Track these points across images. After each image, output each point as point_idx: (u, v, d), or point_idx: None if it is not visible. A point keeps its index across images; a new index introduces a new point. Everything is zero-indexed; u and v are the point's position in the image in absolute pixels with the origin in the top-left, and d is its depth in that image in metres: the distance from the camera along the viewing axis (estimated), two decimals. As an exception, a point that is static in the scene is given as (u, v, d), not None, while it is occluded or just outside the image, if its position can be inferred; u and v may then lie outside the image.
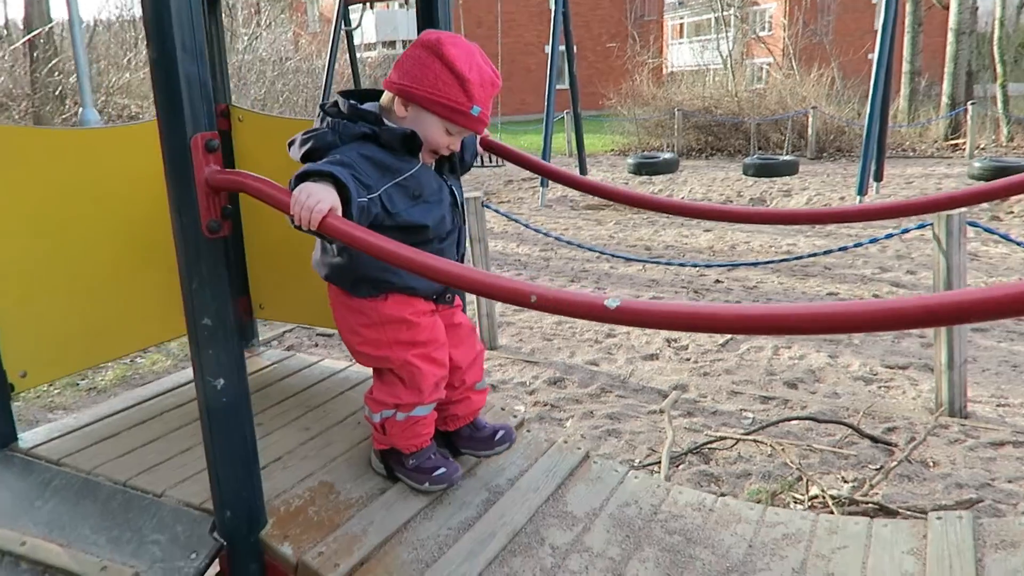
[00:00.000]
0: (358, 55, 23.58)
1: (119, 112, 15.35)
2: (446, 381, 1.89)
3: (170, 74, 1.35)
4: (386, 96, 1.74)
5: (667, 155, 13.04)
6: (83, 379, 4.57)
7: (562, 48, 11.20)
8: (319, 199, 1.37)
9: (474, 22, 28.02)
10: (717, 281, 6.38)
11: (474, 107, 1.68)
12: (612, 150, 17.25)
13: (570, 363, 4.62)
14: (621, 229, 9.00)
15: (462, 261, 1.94)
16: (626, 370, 4.49)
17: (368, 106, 1.74)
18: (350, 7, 12.75)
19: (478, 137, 2.15)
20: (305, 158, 1.66)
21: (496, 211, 4.91)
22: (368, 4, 18.25)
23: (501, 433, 1.97)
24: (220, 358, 1.49)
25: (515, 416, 2.22)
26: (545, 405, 4.05)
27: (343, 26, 12.69)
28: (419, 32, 1.78)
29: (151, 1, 1.33)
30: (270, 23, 21.73)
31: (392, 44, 27.94)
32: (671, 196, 11.01)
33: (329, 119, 1.69)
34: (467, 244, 2.35)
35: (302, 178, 1.45)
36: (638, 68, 18.13)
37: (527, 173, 13.76)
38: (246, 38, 18.24)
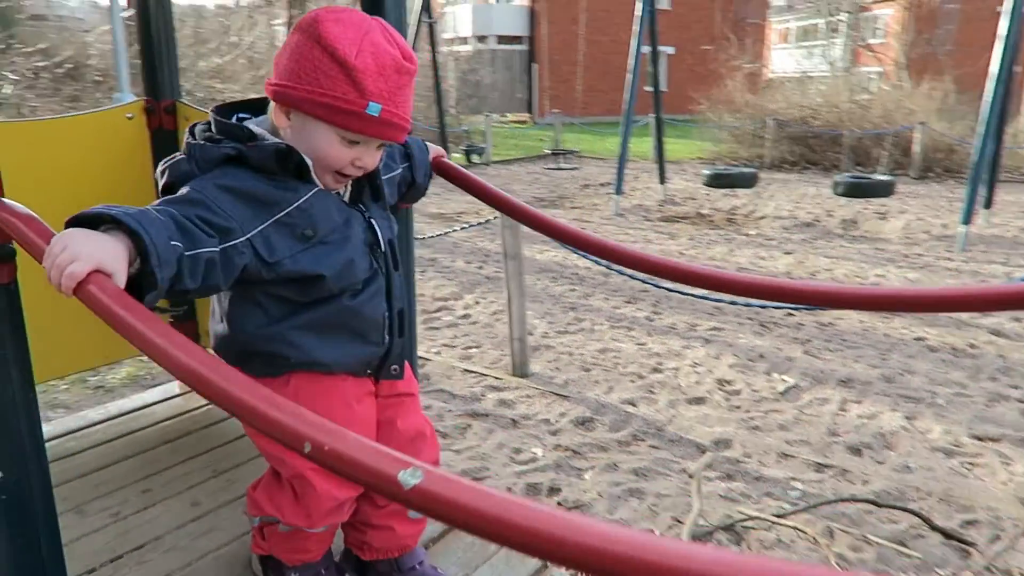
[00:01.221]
0: (451, 48, 23.53)
1: (210, 95, 15.67)
2: (351, 501, 1.47)
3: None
4: (271, 104, 1.34)
5: (744, 168, 12.21)
6: (94, 375, 4.40)
7: (649, 49, 10.62)
8: (75, 256, 0.96)
9: (568, 19, 27.51)
10: (789, 314, 5.74)
11: (370, 104, 1.23)
12: (699, 158, 16.47)
13: (604, 400, 4.15)
14: (694, 245, 8.39)
15: (400, 322, 1.50)
16: (666, 415, 3.98)
17: (255, 122, 1.34)
18: None
19: (429, 151, 1.73)
20: (165, 194, 1.26)
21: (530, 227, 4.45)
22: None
23: None
24: (-2, 446, 1.12)
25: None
26: (566, 450, 3.59)
27: (425, 18, 12.52)
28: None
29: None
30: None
31: (484, 39, 27.76)
32: (752, 212, 10.28)
33: (190, 141, 1.29)
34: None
35: (76, 223, 1.03)
36: (733, 73, 17.23)
37: (606, 177, 13.25)
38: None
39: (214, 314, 1.41)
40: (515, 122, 26.54)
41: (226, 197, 1.22)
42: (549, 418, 3.94)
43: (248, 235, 1.23)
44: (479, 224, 7.14)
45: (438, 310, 5.80)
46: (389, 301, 1.47)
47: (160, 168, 1.29)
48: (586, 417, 3.94)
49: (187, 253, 1.11)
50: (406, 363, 1.56)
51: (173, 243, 1.08)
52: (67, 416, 2.21)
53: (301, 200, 1.30)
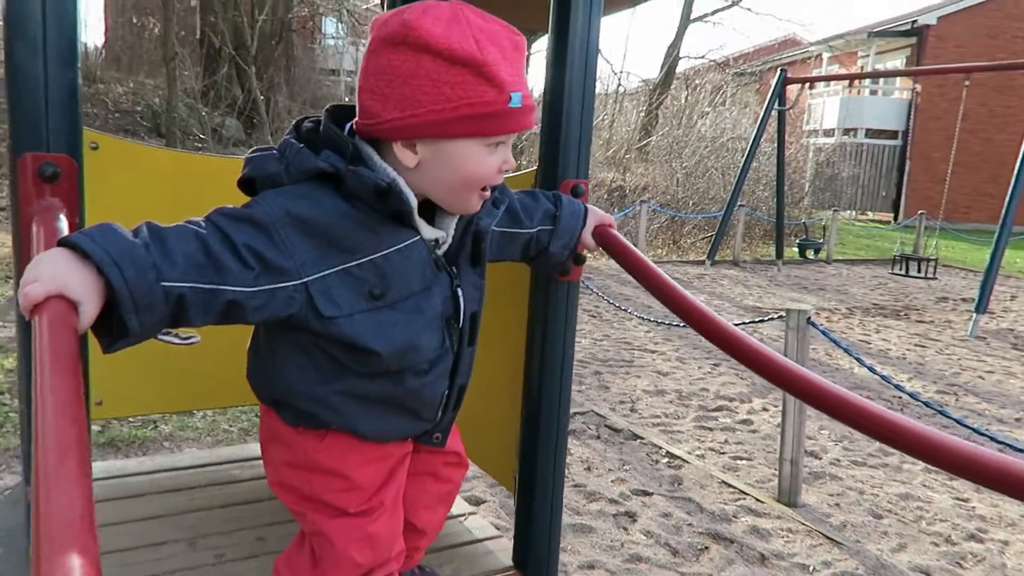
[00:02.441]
0: (812, 140, 22.38)
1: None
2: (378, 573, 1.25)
3: (9, 66, 1.01)
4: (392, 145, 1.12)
5: None
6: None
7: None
8: (38, 276, 0.85)
9: (956, 114, 24.52)
10: None
11: (512, 95, 1.05)
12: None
13: (888, 560, 3.31)
14: (1071, 389, 6.64)
15: (458, 397, 1.30)
16: (970, 601, 3.04)
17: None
18: (788, 86, 12.01)
19: (587, 219, 1.45)
20: (244, 188, 1.15)
21: (824, 333, 3.79)
22: (809, 85, 17.20)
23: None
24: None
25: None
26: (816, 611, 2.90)
27: (776, 105, 12.01)
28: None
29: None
30: (724, 101, 21.83)
31: (853, 132, 25.93)
32: None
33: (292, 137, 1.14)
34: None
35: (65, 244, 0.91)
36: None
37: (970, 292, 11.33)
38: (696, 117, 18.54)
39: (255, 338, 1.27)
40: (875, 221, 24.23)
41: (295, 229, 1.05)
42: (809, 564, 3.24)
43: (305, 279, 1.06)
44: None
45: (717, 409, 5.26)
46: (452, 377, 1.25)
47: (247, 156, 1.15)
48: (857, 575, 3.17)
49: (203, 286, 0.96)
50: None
51: (165, 284, 0.93)
52: (250, 444, 2.27)
53: (380, 253, 1.10)
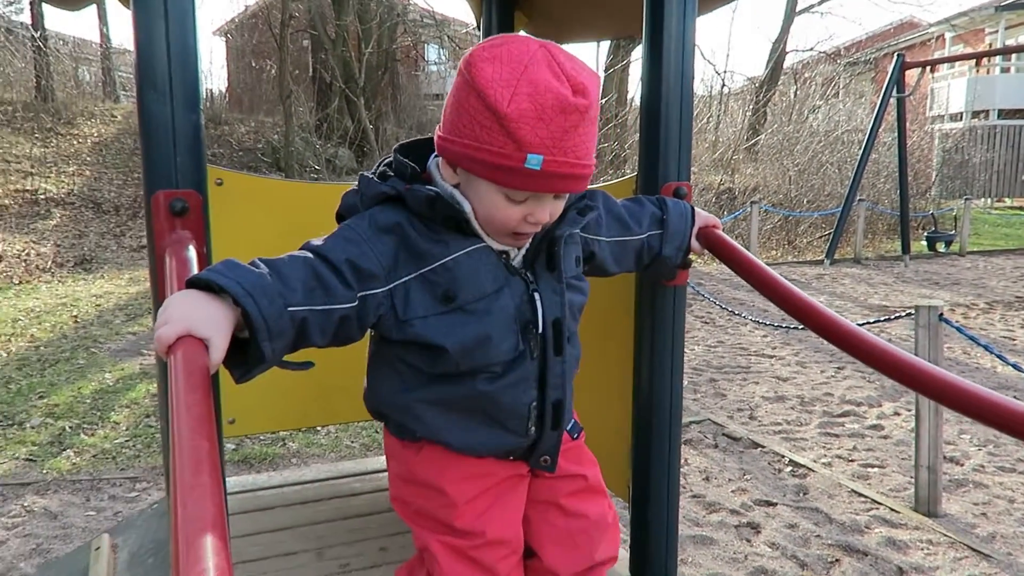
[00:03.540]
0: (941, 126, 21.02)
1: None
2: None
3: (141, 112, 1.10)
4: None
5: None
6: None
7: None
8: (167, 319, 0.91)
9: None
10: None
11: (529, 157, 1.04)
12: None
13: (1045, 574, 3.05)
14: None
15: (556, 414, 1.26)
16: None
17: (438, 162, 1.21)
18: (906, 72, 11.39)
19: (694, 221, 1.44)
20: (339, 222, 1.24)
21: (959, 330, 3.54)
22: (930, 68, 16.20)
23: None
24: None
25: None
26: (964, 628, 2.71)
27: (894, 93, 11.40)
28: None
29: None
30: (836, 93, 20.91)
31: (984, 114, 24.20)
32: None
33: (363, 173, 1.24)
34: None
35: (194, 284, 0.98)
36: None
37: None
38: (807, 111, 17.85)
39: (372, 359, 1.34)
40: (1014, 208, 22.49)
41: (380, 238, 1.14)
42: (953, 578, 3.03)
43: (390, 286, 1.14)
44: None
45: (843, 415, 5.01)
46: (542, 390, 1.23)
47: (343, 194, 1.25)
48: (1009, 591, 2.94)
49: (319, 307, 1.04)
50: (581, 438, 1.39)
51: (291, 308, 1.00)
52: (370, 458, 2.35)
53: (449, 257, 1.15)
